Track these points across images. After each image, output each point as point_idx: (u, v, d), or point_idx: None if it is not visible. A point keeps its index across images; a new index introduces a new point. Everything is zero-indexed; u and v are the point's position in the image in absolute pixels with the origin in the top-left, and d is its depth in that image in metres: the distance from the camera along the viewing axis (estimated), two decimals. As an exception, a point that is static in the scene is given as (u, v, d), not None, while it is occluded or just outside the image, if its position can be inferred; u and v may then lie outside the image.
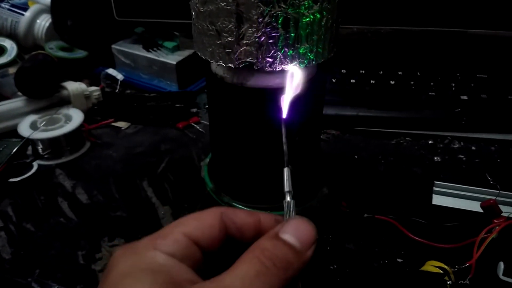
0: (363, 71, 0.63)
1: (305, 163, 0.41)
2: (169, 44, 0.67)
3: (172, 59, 0.65)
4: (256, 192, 0.41)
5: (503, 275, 0.33)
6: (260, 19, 0.30)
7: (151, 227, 0.42)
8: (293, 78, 0.31)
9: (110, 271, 0.21)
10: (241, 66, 0.32)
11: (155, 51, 0.67)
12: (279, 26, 0.30)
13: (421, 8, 0.59)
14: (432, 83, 0.60)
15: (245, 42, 0.31)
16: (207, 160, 0.47)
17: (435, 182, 0.44)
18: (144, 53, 0.67)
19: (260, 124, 0.36)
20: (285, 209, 0.26)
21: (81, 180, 0.49)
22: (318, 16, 0.31)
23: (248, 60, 0.32)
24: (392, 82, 0.61)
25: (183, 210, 0.44)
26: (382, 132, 0.56)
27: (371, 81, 0.61)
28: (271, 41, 0.31)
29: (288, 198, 0.26)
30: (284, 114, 0.30)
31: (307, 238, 0.23)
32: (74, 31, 0.71)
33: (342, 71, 0.64)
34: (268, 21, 0.30)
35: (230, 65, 0.33)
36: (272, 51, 0.31)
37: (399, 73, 0.62)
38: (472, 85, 0.59)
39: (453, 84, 0.60)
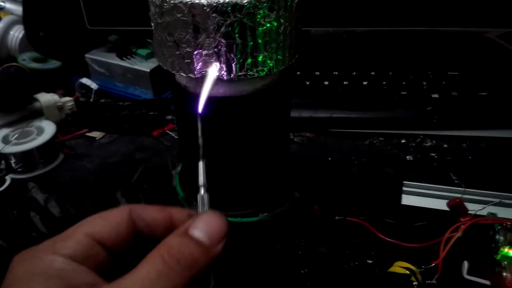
0: (337, 73, 0.64)
1: (274, 169, 0.41)
2: (143, 52, 0.67)
3: (146, 66, 0.65)
4: (226, 200, 0.41)
5: (468, 274, 0.34)
6: (216, 29, 0.30)
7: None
8: (209, 78, 0.31)
9: (7, 276, 0.21)
10: (201, 76, 0.32)
11: (128, 59, 0.67)
12: (236, 35, 0.31)
13: (392, 8, 0.59)
14: (404, 83, 0.61)
15: (203, 52, 0.31)
16: (179, 168, 0.47)
17: (404, 182, 0.45)
18: (118, 61, 0.67)
19: (224, 133, 0.37)
20: (198, 203, 0.26)
21: (54, 193, 0.49)
22: (276, 24, 0.32)
23: (207, 70, 0.32)
24: (365, 83, 0.61)
25: (156, 219, 0.44)
26: (356, 133, 0.57)
27: (344, 82, 0.62)
28: (228, 50, 0.31)
29: (202, 192, 0.26)
30: (200, 109, 0.29)
31: (217, 233, 0.23)
32: (47, 42, 0.70)
33: (315, 73, 0.64)
34: (225, 31, 0.30)
35: (190, 75, 0.33)
36: (231, 61, 0.31)
37: (372, 73, 0.63)
38: (444, 83, 0.60)
39: (425, 83, 0.60)
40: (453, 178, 0.45)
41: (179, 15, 0.31)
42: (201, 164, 0.27)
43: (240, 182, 0.40)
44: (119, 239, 0.24)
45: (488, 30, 0.71)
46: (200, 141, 0.29)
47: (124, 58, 0.67)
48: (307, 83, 0.63)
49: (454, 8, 0.58)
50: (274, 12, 0.31)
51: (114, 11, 0.64)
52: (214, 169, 0.40)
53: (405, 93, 0.59)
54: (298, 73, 0.64)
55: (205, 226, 0.23)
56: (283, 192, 0.43)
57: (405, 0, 0.59)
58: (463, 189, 0.42)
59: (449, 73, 0.62)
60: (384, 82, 0.61)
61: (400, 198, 0.44)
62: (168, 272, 0.20)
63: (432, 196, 0.43)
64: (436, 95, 0.58)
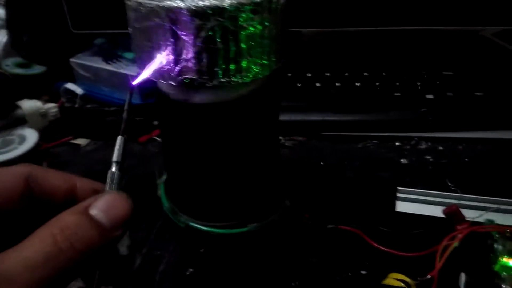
0: (329, 74, 0.62)
1: (262, 177, 0.39)
2: (130, 55, 0.65)
3: (133, 70, 0.63)
4: (212, 210, 0.39)
5: (465, 287, 0.32)
6: (197, 34, 0.28)
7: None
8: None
9: None
10: (182, 83, 0.31)
11: (115, 62, 0.65)
12: (218, 40, 0.29)
13: (384, 7, 0.58)
14: (397, 83, 0.59)
15: (183, 58, 0.30)
16: (164, 178, 0.45)
17: (398, 188, 0.43)
18: (104, 65, 0.65)
19: (208, 141, 0.35)
20: (107, 180, 0.24)
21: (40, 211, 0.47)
22: (260, 27, 0.30)
23: (188, 77, 0.30)
24: (357, 84, 0.60)
25: (141, 230, 0.42)
26: (349, 136, 0.55)
27: (337, 84, 0.60)
28: (210, 56, 0.29)
29: (113, 169, 0.24)
30: (134, 82, 0.27)
31: (118, 215, 0.21)
32: (31, 46, 0.68)
33: (307, 74, 0.62)
34: (205, 35, 0.29)
35: (170, 82, 0.31)
36: (212, 67, 0.30)
37: (365, 74, 0.61)
38: (438, 83, 0.59)
39: (419, 83, 0.59)
40: (449, 184, 0.43)
41: (156, 19, 0.29)
42: (119, 139, 0.25)
43: (226, 192, 0.38)
44: (9, 201, 0.22)
45: (483, 28, 0.69)
46: (125, 114, 0.26)
47: (110, 62, 0.65)
48: (298, 85, 0.61)
49: (448, 6, 0.57)
50: (258, 15, 0.29)
51: (99, 14, 0.63)
52: (198, 178, 0.38)
53: (399, 94, 0.58)
54: (289, 75, 0.63)
55: (107, 206, 0.21)
56: (273, 200, 0.42)
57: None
58: (459, 195, 0.40)
59: (443, 72, 0.60)
60: (377, 83, 0.60)
61: (394, 205, 0.42)
62: (58, 254, 0.18)
63: (428, 202, 0.41)
64: (430, 96, 0.56)
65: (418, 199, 0.41)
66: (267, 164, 0.40)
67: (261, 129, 0.37)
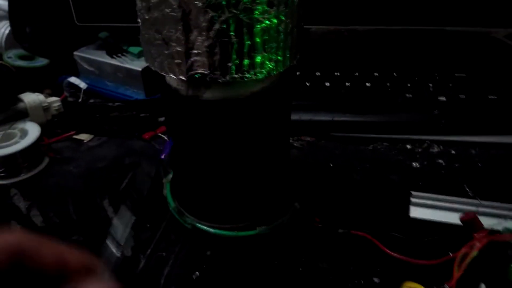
0: (338, 73, 0.60)
1: (272, 177, 0.38)
2: (135, 50, 0.64)
3: (138, 65, 0.62)
4: (221, 212, 0.38)
5: (485, 298, 0.31)
6: (210, 26, 0.27)
7: (109, 252, 0.39)
8: None
9: None
10: (193, 78, 0.29)
11: (119, 57, 0.64)
12: (231, 33, 0.27)
13: (395, 6, 0.56)
14: (409, 84, 0.58)
15: (195, 52, 0.28)
16: (170, 176, 0.44)
17: (412, 192, 0.42)
18: (108, 59, 0.63)
19: (218, 139, 0.33)
20: (101, 266, 0.22)
21: (37, 201, 0.46)
22: (275, 21, 0.28)
23: (199, 71, 0.29)
24: (368, 84, 0.58)
25: (145, 231, 0.41)
26: (359, 137, 0.54)
27: (346, 84, 0.59)
28: (223, 50, 0.28)
29: (113, 250, 0.22)
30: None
31: None
32: (34, 39, 0.67)
33: (316, 73, 0.61)
34: (219, 28, 0.27)
35: (181, 77, 0.30)
36: (225, 62, 0.28)
37: (375, 74, 0.60)
38: (451, 85, 0.57)
39: (431, 85, 0.57)
40: (467, 190, 0.42)
41: (167, 10, 0.27)
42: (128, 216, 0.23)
43: (235, 192, 0.37)
44: None
45: (496, 30, 0.68)
46: None
47: (114, 56, 0.64)
48: (307, 84, 0.59)
49: (460, 6, 0.55)
50: (274, 7, 0.28)
51: (104, 7, 0.61)
52: (206, 177, 0.37)
53: (410, 95, 0.56)
54: (298, 73, 0.61)
55: None
56: (282, 202, 0.40)
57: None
58: (476, 201, 0.39)
59: (456, 74, 0.59)
60: (388, 84, 0.58)
61: (408, 210, 0.41)
62: None
63: (443, 208, 0.39)
64: (443, 98, 0.55)
65: (432, 204, 0.40)
66: (278, 165, 0.38)
67: (272, 128, 0.35)
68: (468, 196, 0.41)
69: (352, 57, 0.67)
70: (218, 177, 0.36)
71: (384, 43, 0.69)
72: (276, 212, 0.39)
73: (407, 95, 0.56)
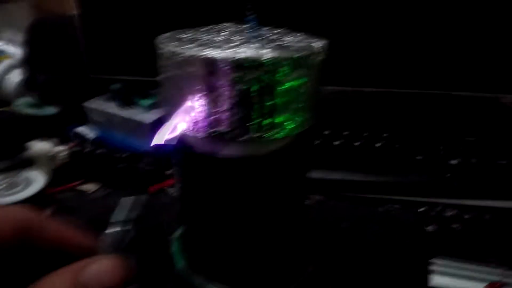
0: (347, 133, 0.60)
1: (286, 239, 0.36)
2: (146, 102, 0.64)
3: (147, 118, 0.62)
4: (227, 275, 0.36)
5: None
6: (232, 87, 0.27)
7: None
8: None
9: None
10: (210, 136, 0.29)
11: (130, 109, 0.64)
12: (253, 94, 0.27)
13: (402, 70, 0.57)
14: (419, 146, 0.57)
15: (214, 111, 0.28)
16: (177, 233, 0.42)
17: (431, 259, 0.40)
18: (117, 111, 0.64)
19: (234, 196, 0.32)
20: (104, 242, 0.22)
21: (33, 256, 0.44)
22: (297, 83, 0.28)
23: (218, 130, 0.28)
24: (377, 145, 0.58)
25: (148, 292, 0.39)
26: (370, 198, 0.53)
27: (355, 143, 0.58)
28: (243, 110, 0.28)
29: (112, 229, 0.23)
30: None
31: (110, 284, 0.20)
32: (45, 88, 0.68)
33: (325, 132, 0.61)
34: (241, 88, 0.27)
35: (198, 135, 0.29)
36: (245, 121, 0.28)
37: (385, 135, 0.60)
38: (461, 148, 0.57)
39: (441, 147, 0.57)
40: (490, 261, 0.40)
41: (190, 69, 0.27)
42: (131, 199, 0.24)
43: (246, 254, 0.35)
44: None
45: (503, 96, 0.68)
46: None
47: (125, 108, 0.64)
48: (316, 142, 0.59)
49: (467, 72, 0.56)
50: (297, 70, 0.28)
51: (117, 60, 0.62)
52: (220, 235, 0.35)
53: (420, 157, 0.56)
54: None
55: (99, 274, 0.20)
56: (295, 266, 0.38)
57: (414, 62, 0.57)
58: (500, 270, 0.37)
59: (466, 138, 0.59)
60: (397, 146, 0.58)
61: (427, 279, 0.39)
62: None
63: (465, 277, 0.38)
64: (454, 161, 0.54)
65: (454, 273, 0.38)
66: (294, 224, 0.37)
67: (290, 186, 0.34)
68: (487, 263, 0.39)
69: (362, 118, 0.67)
70: (227, 236, 0.35)
71: (393, 105, 0.70)
72: (288, 277, 0.37)
73: (418, 157, 0.56)
